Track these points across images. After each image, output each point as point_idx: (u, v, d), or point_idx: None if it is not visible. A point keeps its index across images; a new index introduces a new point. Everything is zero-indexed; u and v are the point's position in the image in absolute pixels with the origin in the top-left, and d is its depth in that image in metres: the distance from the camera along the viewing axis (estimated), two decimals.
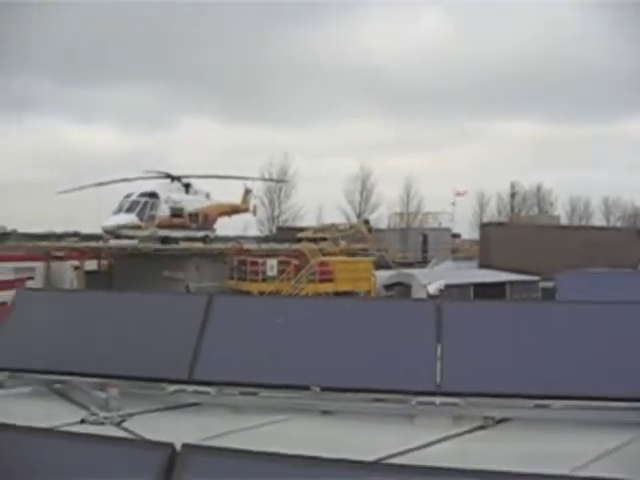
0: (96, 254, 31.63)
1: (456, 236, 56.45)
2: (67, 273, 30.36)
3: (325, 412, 4.63)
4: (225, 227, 39.72)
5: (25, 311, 5.68)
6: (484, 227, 42.97)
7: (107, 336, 5.24)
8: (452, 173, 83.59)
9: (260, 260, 29.13)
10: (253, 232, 54.43)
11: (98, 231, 32.76)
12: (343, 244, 36.28)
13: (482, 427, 4.34)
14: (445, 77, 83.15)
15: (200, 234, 34.06)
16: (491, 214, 69.30)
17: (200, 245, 32.29)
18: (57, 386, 5.12)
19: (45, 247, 31.72)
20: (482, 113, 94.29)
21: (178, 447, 1.76)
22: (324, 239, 36.45)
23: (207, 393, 4.75)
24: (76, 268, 30.94)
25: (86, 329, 5.36)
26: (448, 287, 25.95)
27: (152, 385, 4.85)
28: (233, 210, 39.10)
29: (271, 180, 55.17)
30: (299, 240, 36.13)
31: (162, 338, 5.17)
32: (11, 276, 25.97)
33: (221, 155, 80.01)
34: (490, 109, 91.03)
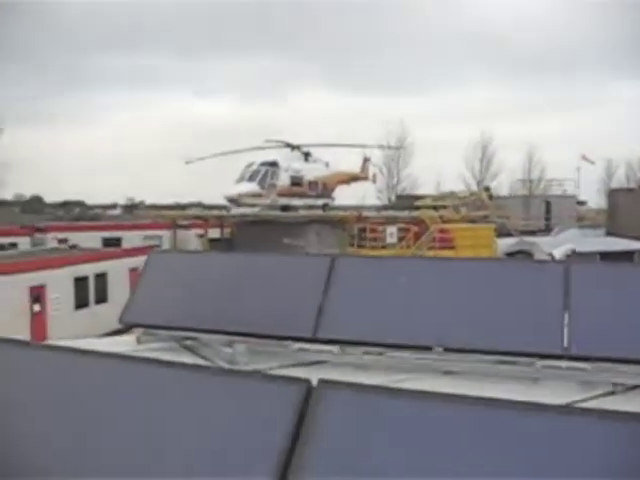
0: (219, 223, 32.58)
1: (582, 203, 54.31)
2: (191, 241, 31.54)
3: (448, 373, 4.61)
4: (344, 196, 39.97)
5: (157, 272, 5.94)
6: (612, 193, 41.19)
7: (234, 295, 5.40)
8: (576, 140, 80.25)
9: (380, 227, 29.16)
10: (371, 201, 54.42)
11: (220, 201, 33.68)
12: (463, 211, 35.69)
13: (611, 393, 4.19)
14: (565, 45, 79.75)
15: (319, 202, 34.36)
16: (619, 182, 66.09)
17: (320, 212, 32.60)
18: (187, 342, 5.35)
19: (171, 216, 33.01)
20: (608, 79, 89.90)
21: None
22: (444, 207, 35.95)
23: (331, 352, 4.83)
24: (200, 236, 32.08)
25: (214, 289, 5.54)
26: (573, 254, 25.08)
27: (277, 343, 4.97)
28: (352, 178, 39.19)
29: (389, 147, 54.74)
30: (418, 208, 35.83)
31: (287, 298, 5.28)
32: (140, 244, 27.24)
33: (339, 124, 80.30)
34: (616, 75, 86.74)
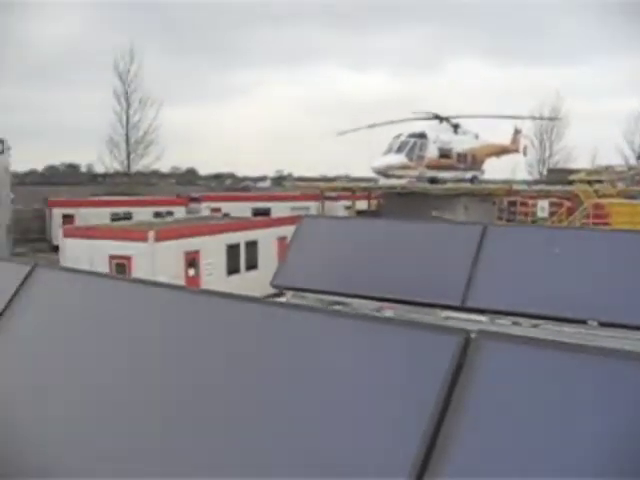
0: (366, 194, 32.72)
1: None
2: (339, 212, 31.87)
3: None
4: (493, 170, 38.99)
5: (308, 236, 6.06)
6: None
7: (383, 262, 5.43)
8: None
9: (530, 201, 28.28)
10: (522, 175, 52.75)
11: (367, 174, 33.78)
12: (620, 186, 33.89)
13: None
14: None
15: (468, 175, 33.71)
16: None
17: (468, 185, 32.01)
18: (336, 307, 5.43)
19: (319, 188, 33.50)
20: None
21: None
22: (599, 181, 34.27)
23: (479, 321, 4.76)
24: (347, 208, 32.37)
25: (363, 254, 5.58)
26: None
27: (425, 310, 4.96)
28: (502, 151, 38.12)
29: (542, 119, 52.65)
30: (571, 183, 34.37)
31: (436, 265, 5.24)
32: (289, 214, 27.89)
33: (489, 96, 78.26)
34: None
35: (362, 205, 32.55)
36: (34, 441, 2.59)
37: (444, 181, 31.59)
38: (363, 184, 33.63)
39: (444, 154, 32.35)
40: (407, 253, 5.48)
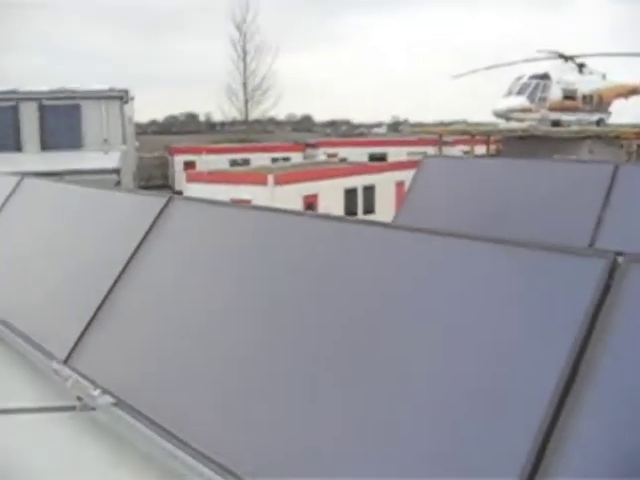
0: (485, 139, 31.88)
1: None
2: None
3: None
4: (622, 112, 36.97)
5: (429, 178, 5.95)
6: None
7: (507, 203, 5.27)
8: None
9: None
10: None
11: (486, 118, 32.86)
12: None
13: None
14: None
15: (594, 117, 32.17)
16: None
17: (594, 128, 30.56)
18: None
19: (437, 132, 32.89)
20: None
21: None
22: None
23: None
24: (465, 153, 31.66)
25: (487, 196, 5.44)
26: None
27: None
28: (631, 92, 36.00)
29: None
30: None
31: (563, 207, 5.03)
32: (406, 159, 27.61)
33: (617, 34, 73.92)
34: None
35: (481, 150, 31.74)
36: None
37: (568, 124, 30.29)
38: (482, 128, 32.75)
39: (568, 95, 30.95)
40: (532, 195, 5.29)
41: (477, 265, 2.06)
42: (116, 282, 3.18)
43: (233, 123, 52.68)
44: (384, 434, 1.96)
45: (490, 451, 1.70)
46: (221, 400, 2.50)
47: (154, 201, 3.40)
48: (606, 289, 1.69)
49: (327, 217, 2.82)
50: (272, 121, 59.27)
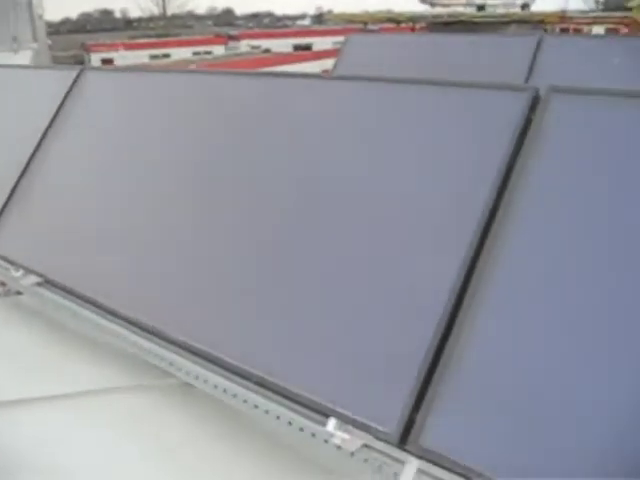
0: (410, 26, 31.44)
1: None
2: None
3: None
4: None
5: (353, 56, 5.84)
6: None
7: (432, 74, 5.21)
8: None
9: (585, 28, 26.96)
10: (576, 4, 49.88)
11: (409, 8, 32.36)
12: None
13: None
14: None
15: (518, 1, 32.07)
16: None
17: (518, 12, 30.46)
18: None
19: (362, 20, 32.24)
20: None
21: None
22: None
23: None
24: None
25: (411, 72, 5.37)
26: None
27: None
28: None
29: None
30: (630, 9, 32.39)
31: (489, 77, 5.01)
32: (331, 48, 27.09)
33: None
34: None
35: None
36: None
37: (494, 7, 30.16)
38: (408, 14, 32.24)
39: None
40: (457, 67, 5.23)
41: (402, 107, 2.03)
42: (31, 159, 3.04)
43: (151, 19, 50.66)
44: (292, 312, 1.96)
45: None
46: (145, 269, 2.46)
47: (65, 74, 3.21)
48: (528, 121, 1.68)
49: (248, 73, 2.72)
50: (192, 16, 57.20)
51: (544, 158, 1.56)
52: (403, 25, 31.40)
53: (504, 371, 1.53)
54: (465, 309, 1.61)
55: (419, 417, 1.64)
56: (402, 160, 1.91)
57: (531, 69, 4.88)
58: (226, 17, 67.69)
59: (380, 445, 1.74)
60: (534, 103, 1.68)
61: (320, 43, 30.95)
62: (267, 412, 1.98)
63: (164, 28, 45.10)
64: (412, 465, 1.65)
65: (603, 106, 1.56)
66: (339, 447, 1.81)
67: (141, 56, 28.44)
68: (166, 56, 29.10)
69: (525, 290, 1.56)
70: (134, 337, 2.31)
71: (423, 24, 31.11)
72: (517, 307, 1.56)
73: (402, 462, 1.69)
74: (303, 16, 67.05)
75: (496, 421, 1.53)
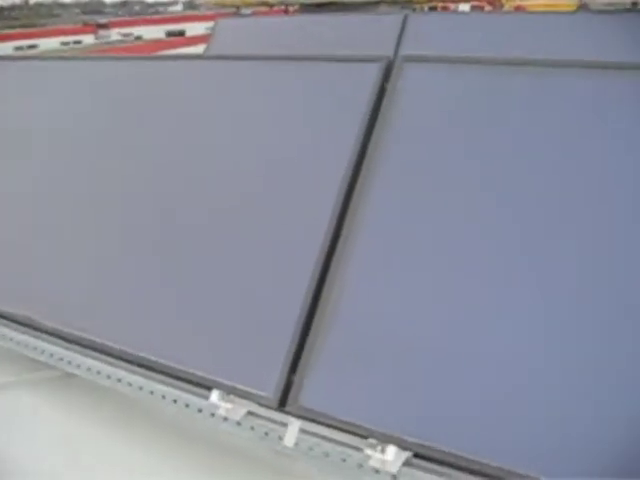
0: (283, 9, 31.43)
1: None
2: None
3: None
4: None
5: (224, 40, 5.81)
6: None
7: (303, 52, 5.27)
8: None
9: (452, 5, 27.69)
10: None
11: None
12: None
13: None
14: None
15: None
16: None
17: None
18: None
19: (234, 5, 31.96)
20: None
21: None
22: None
23: None
24: None
25: (285, 47, 5.40)
26: None
27: None
28: None
29: None
30: None
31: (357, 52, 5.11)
32: (205, 33, 26.75)
33: None
34: None
35: None
36: None
37: None
38: None
39: None
40: (325, 47, 5.31)
41: (260, 82, 2.07)
42: None
43: (13, 8, 48.27)
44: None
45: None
46: (19, 259, 2.40)
47: None
48: (381, 92, 1.75)
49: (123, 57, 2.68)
50: (58, 4, 54.98)
51: (398, 123, 1.64)
52: (276, 8, 31.39)
53: (376, 326, 1.61)
54: (334, 268, 1.68)
55: (296, 378, 1.70)
56: (264, 133, 1.95)
57: (397, 45, 5.02)
58: (95, 5, 65.43)
59: (262, 411, 1.78)
60: (387, 72, 1.76)
61: (193, 29, 30.47)
62: (152, 393, 1.99)
63: (28, 18, 43.13)
64: (294, 426, 1.71)
65: (453, 73, 1.66)
66: (225, 419, 1.84)
67: (5, 48, 27.15)
68: (32, 47, 27.90)
69: (391, 245, 1.64)
70: (4, 330, 2.25)
71: (296, 6, 31.21)
72: (386, 262, 1.64)
73: (285, 424, 1.74)
74: (175, 2, 65.75)
75: (371, 375, 1.61)
